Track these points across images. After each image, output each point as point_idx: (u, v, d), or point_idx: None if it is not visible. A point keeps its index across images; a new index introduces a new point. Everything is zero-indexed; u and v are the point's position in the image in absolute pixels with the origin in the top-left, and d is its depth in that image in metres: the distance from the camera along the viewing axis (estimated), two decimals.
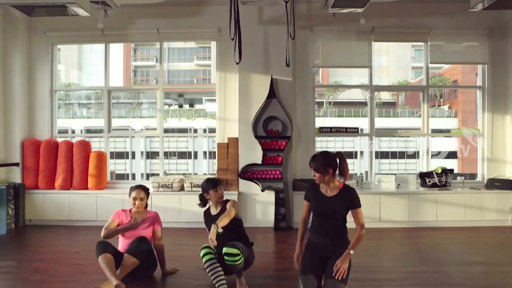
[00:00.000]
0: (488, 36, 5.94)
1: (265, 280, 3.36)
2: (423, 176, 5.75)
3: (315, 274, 2.74)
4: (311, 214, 3.01)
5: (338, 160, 2.91)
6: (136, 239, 3.21)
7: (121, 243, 3.40)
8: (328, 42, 6.08)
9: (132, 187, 3.49)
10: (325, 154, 2.92)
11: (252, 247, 3.32)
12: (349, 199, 2.86)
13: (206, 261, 2.92)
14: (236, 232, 3.27)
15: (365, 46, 5.99)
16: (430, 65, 6.14)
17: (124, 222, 3.34)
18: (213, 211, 3.39)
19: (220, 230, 3.15)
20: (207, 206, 3.46)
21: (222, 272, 2.88)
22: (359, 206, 2.86)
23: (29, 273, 3.62)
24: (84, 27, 5.84)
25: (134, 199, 3.36)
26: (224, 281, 2.82)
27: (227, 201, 3.37)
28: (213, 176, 3.47)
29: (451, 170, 5.77)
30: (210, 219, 3.33)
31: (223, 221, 3.04)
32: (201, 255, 2.98)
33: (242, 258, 2.95)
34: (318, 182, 2.91)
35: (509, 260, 4.07)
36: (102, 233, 3.23)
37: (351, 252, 2.75)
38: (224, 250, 2.94)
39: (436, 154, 6.56)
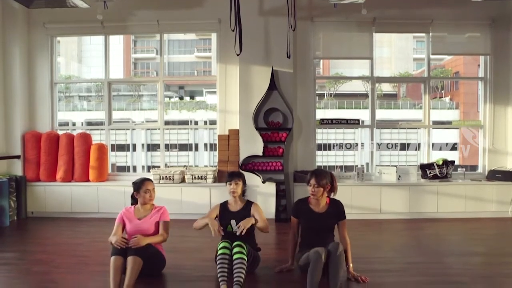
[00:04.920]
0: (490, 27, 5.90)
1: (266, 270, 3.38)
2: (424, 168, 5.75)
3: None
4: (300, 229, 3.30)
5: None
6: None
7: None
8: (329, 33, 6.04)
9: (137, 182, 3.34)
10: (325, 171, 3.26)
11: (258, 252, 3.38)
12: (338, 212, 3.21)
13: (219, 254, 2.95)
14: (249, 234, 3.31)
15: (366, 37, 5.95)
16: (431, 56, 6.10)
17: (127, 221, 3.26)
18: (232, 207, 3.40)
19: (235, 229, 3.25)
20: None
21: (227, 269, 2.89)
22: (345, 217, 3.23)
23: (32, 264, 3.64)
24: (84, 19, 5.81)
25: (146, 191, 3.27)
26: (226, 277, 2.84)
27: (250, 203, 3.42)
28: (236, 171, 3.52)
29: (452, 162, 5.78)
30: (227, 214, 3.36)
31: (250, 222, 3.18)
32: (218, 247, 3.03)
33: (247, 256, 3.01)
34: (315, 197, 3.17)
35: (509, 251, 4.08)
36: (111, 239, 3.08)
37: (351, 265, 3.14)
38: (237, 242, 3.04)
39: (440, 149, 6.53)
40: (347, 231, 3.20)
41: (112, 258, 2.90)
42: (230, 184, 3.37)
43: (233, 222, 3.29)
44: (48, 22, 5.96)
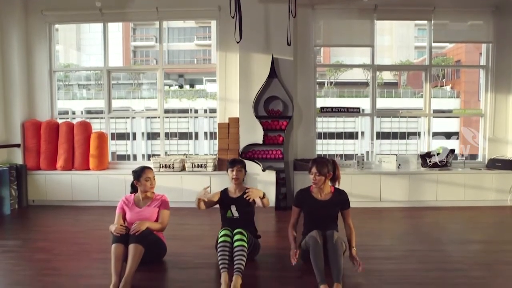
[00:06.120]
0: (493, 14, 5.84)
1: (267, 258, 3.40)
2: (424, 156, 5.75)
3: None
4: (303, 219, 3.22)
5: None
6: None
7: None
8: (330, 20, 5.98)
9: (137, 170, 3.34)
10: (325, 159, 3.19)
11: (258, 239, 3.39)
12: (343, 201, 3.15)
13: (220, 241, 2.96)
14: (249, 219, 3.37)
15: (367, 25, 5.89)
16: (433, 44, 6.05)
17: (127, 209, 3.27)
18: (232, 194, 3.40)
19: (236, 215, 3.30)
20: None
21: (228, 257, 2.90)
22: (350, 206, 3.17)
23: (33, 252, 3.67)
24: (82, 5, 5.77)
25: (147, 179, 3.28)
26: (227, 265, 2.85)
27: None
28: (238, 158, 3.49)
29: (452, 151, 5.77)
30: (227, 200, 3.37)
31: (259, 193, 3.19)
32: (219, 235, 3.02)
33: (248, 243, 3.00)
34: (317, 186, 3.13)
35: (507, 239, 4.11)
36: (111, 228, 3.06)
37: (354, 248, 3.03)
38: (238, 230, 3.04)
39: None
40: (351, 219, 3.16)
41: (113, 245, 2.91)
42: (233, 170, 3.35)
43: (233, 207, 3.31)
44: (46, 9, 5.90)
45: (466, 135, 6.21)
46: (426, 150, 5.96)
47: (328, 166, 3.11)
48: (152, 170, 3.38)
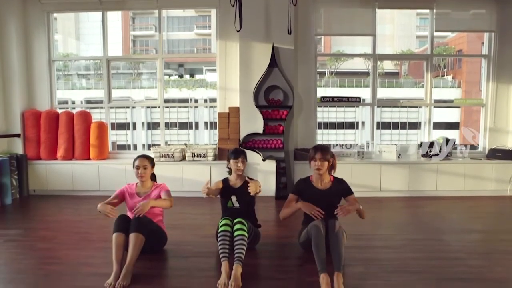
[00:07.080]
0: (496, 3, 5.78)
1: (267, 247, 3.43)
2: (427, 152, 5.73)
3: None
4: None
5: None
6: (134, 218, 3.03)
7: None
8: (331, 9, 5.92)
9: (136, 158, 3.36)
10: (327, 146, 3.29)
11: (259, 229, 3.40)
12: (343, 189, 3.18)
13: (221, 231, 2.97)
14: (249, 209, 3.38)
15: (369, 14, 5.84)
16: (435, 33, 5.99)
17: (128, 197, 3.29)
18: (234, 184, 3.40)
19: (237, 205, 3.30)
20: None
21: (228, 246, 2.92)
22: (353, 192, 3.17)
23: (35, 241, 3.69)
24: None
25: (137, 167, 3.27)
26: (227, 254, 2.86)
27: (250, 180, 3.36)
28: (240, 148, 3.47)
29: (453, 141, 5.76)
30: (228, 190, 3.37)
31: (257, 189, 3.16)
32: (219, 224, 3.03)
33: (248, 233, 3.01)
34: (320, 172, 3.13)
35: (506, 228, 4.13)
36: (98, 207, 3.00)
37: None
38: (238, 219, 3.04)
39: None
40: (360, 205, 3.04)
41: (114, 234, 2.92)
42: (237, 162, 3.33)
43: (233, 198, 3.32)
44: None
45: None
46: (428, 143, 5.92)
47: (330, 152, 3.15)
48: (146, 159, 3.33)
